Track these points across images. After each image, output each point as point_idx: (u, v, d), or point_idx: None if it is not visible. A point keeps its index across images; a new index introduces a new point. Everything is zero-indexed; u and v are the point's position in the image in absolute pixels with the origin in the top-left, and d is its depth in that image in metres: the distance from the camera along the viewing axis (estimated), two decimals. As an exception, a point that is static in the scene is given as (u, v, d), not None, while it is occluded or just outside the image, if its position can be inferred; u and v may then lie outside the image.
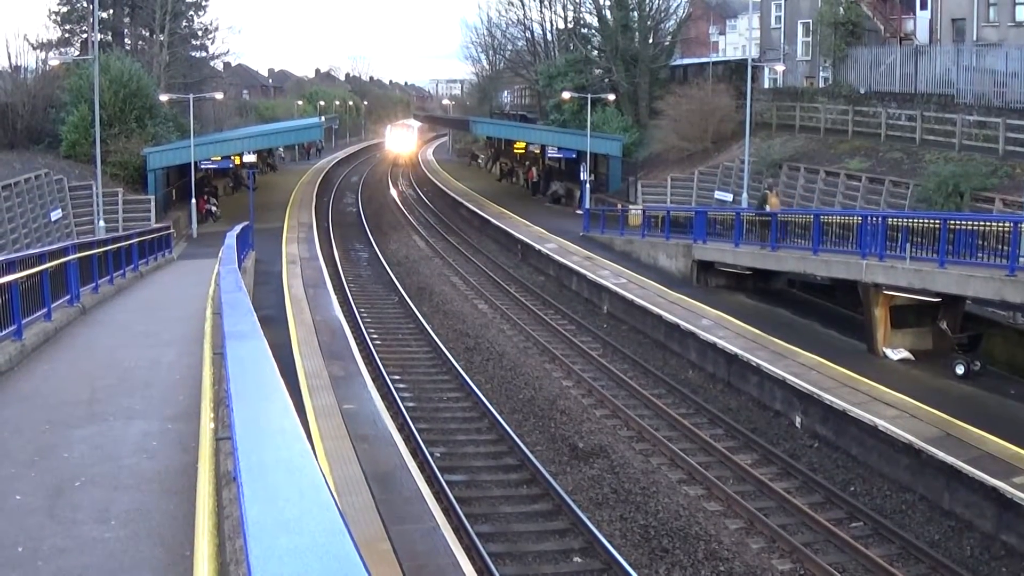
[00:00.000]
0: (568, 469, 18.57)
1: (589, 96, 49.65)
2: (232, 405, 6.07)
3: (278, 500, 3.77)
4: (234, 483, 5.57)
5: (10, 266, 14.42)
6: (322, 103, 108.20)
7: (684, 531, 15.84)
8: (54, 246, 20.42)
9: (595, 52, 61.71)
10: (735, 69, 54.00)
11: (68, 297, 18.02)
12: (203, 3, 67.13)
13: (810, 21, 50.02)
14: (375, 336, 27.76)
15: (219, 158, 48.62)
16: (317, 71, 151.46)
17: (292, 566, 3.11)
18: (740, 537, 15.73)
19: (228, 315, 10.26)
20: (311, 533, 3.38)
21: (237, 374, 7.02)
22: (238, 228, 28.59)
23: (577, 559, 14.70)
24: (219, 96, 59.02)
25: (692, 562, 14.84)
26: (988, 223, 21.59)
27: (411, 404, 21.68)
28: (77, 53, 58.23)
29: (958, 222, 22.00)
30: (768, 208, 29.22)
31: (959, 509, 16.08)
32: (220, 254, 21.91)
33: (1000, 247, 20.29)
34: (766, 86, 53.25)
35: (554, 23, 72.78)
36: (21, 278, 14.66)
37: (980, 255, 20.81)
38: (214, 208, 48.79)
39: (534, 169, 61.99)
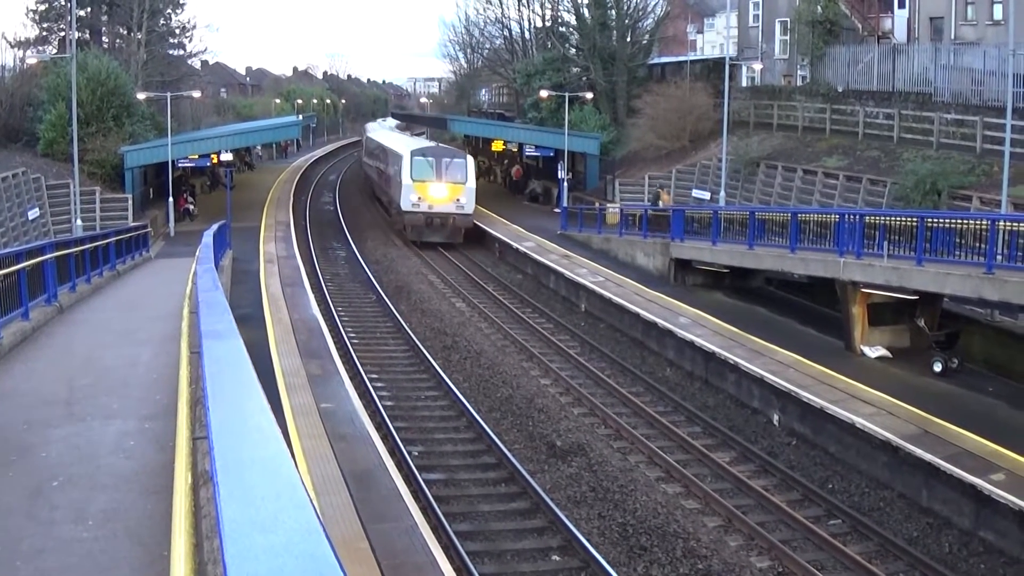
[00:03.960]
0: (546, 467, 18.56)
1: (567, 94, 49.68)
2: (209, 404, 6.05)
3: (254, 499, 3.76)
4: (211, 482, 5.55)
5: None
6: (300, 101, 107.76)
7: (662, 529, 15.86)
8: (31, 245, 20.31)
9: (573, 50, 61.76)
10: (713, 67, 54.23)
11: (45, 296, 17.96)
12: (180, 1, 66.88)
13: (788, 20, 50.05)
14: (353, 335, 27.69)
15: (196, 156, 48.42)
16: (295, 69, 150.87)
17: (267, 565, 3.11)
18: (718, 535, 15.77)
19: (205, 314, 10.24)
20: (287, 532, 3.38)
21: (214, 373, 7.01)
22: (215, 227, 28.48)
23: (555, 557, 14.71)
24: (196, 94, 58.79)
25: (670, 560, 14.87)
26: (965, 221, 21.75)
27: (389, 403, 21.63)
28: (55, 51, 57.91)
29: (935, 220, 22.14)
30: (661, 204, 36.62)
31: (937, 506, 16.19)
32: (197, 253, 21.81)
33: (977, 245, 20.42)
34: (744, 84, 53.31)
35: (532, 21, 72.97)
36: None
37: (958, 253, 20.93)
38: (192, 207, 48.58)
39: (518, 167, 61.86)
